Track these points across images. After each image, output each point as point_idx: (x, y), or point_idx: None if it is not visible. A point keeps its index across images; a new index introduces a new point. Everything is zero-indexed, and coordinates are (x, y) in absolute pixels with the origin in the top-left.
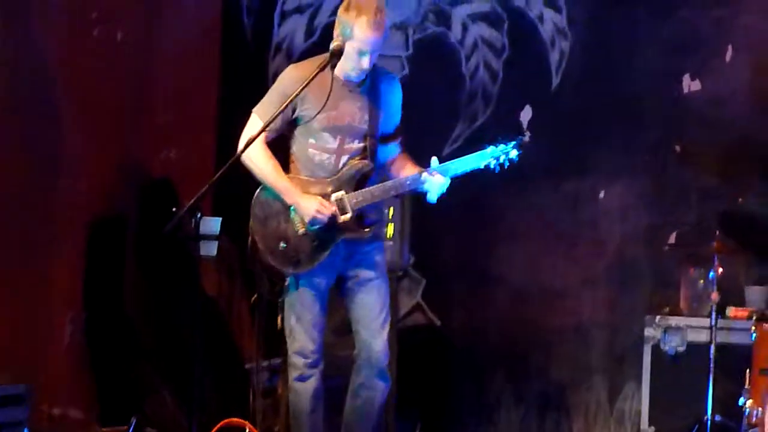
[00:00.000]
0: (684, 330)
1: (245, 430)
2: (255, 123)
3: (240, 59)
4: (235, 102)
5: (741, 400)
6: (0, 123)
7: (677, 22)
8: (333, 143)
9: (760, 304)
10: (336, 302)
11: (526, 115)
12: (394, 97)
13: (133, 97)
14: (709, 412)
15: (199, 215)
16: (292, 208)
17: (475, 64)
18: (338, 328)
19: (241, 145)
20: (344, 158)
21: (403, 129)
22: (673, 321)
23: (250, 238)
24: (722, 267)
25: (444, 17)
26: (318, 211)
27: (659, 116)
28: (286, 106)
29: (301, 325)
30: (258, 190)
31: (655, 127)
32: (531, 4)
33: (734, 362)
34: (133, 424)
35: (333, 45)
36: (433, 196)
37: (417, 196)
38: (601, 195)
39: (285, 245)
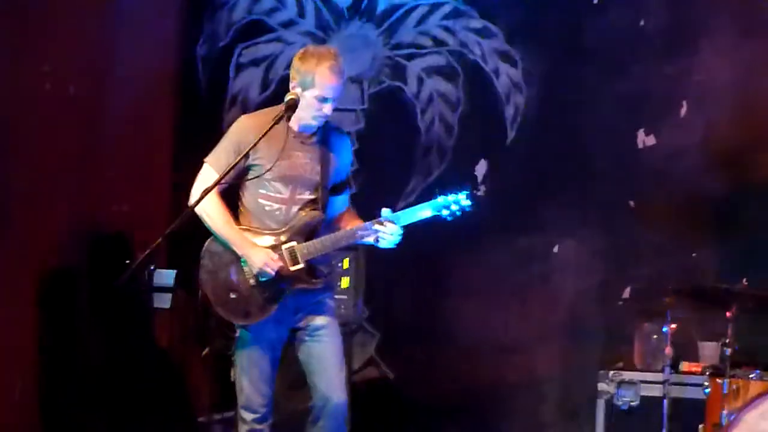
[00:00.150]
0: (637, 385)
1: None
2: (208, 173)
3: (195, 111)
4: (189, 154)
5: None
6: None
7: (632, 77)
8: (285, 193)
9: (714, 359)
10: (290, 355)
11: (481, 169)
12: (344, 152)
13: (86, 150)
14: None
15: (152, 267)
16: (243, 259)
17: (430, 118)
18: (291, 381)
19: (193, 195)
20: (295, 208)
21: (350, 185)
22: (627, 376)
23: (200, 290)
24: (676, 322)
25: (399, 71)
26: (266, 263)
27: (613, 171)
28: (241, 158)
29: (249, 379)
30: (208, 241)
31: (610, 182)
32: (487, 59)
33: (688, 417)
34: None
35: (288, 97)
36: (385, 244)
37: (371, 251)
38: (555, 250)
39: (235, 296)
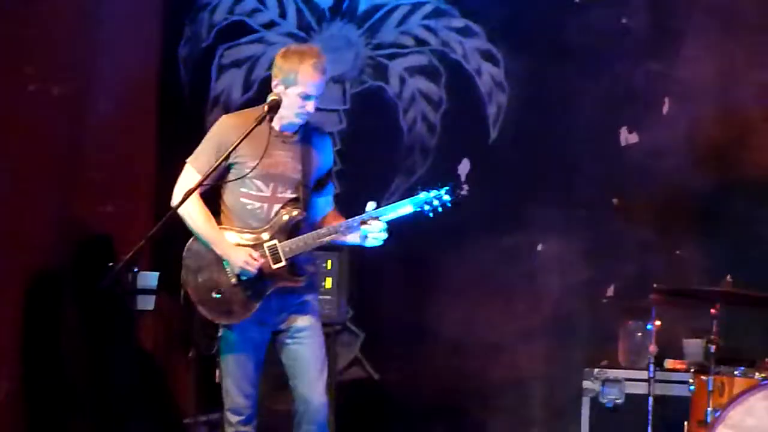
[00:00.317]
0: (622, 382)
1: None
2: (190, 174)
3: (177, 112)
4: (172, 156)
5: None
6: None
7: (614, 76)
8: (266, 191)
9: (698, 356)
10: (272, 355)
11: (464, 168)
12: (325, 152)
13: (69, 151)
14: None
15: (136, 270)
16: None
17: (412, 118)
18: (276, 382)
19: (175, 196)
20: (276, 207)
21: (334, 186)
22: (612, 373)
23: (182, 291)
24: (660, 319)
25: (381, 71)
26: (246, 262)
27: (597, 169)
28: (224, 160)
29: (233, 380)
30: (190, 241)
31: (593, 181)
32: (469, 58)
33: (672, 414)
34: None
35: (270, 98)
36: (372, 242)
37: (355, 250)
38: (539, 248)
39: (218, 295)
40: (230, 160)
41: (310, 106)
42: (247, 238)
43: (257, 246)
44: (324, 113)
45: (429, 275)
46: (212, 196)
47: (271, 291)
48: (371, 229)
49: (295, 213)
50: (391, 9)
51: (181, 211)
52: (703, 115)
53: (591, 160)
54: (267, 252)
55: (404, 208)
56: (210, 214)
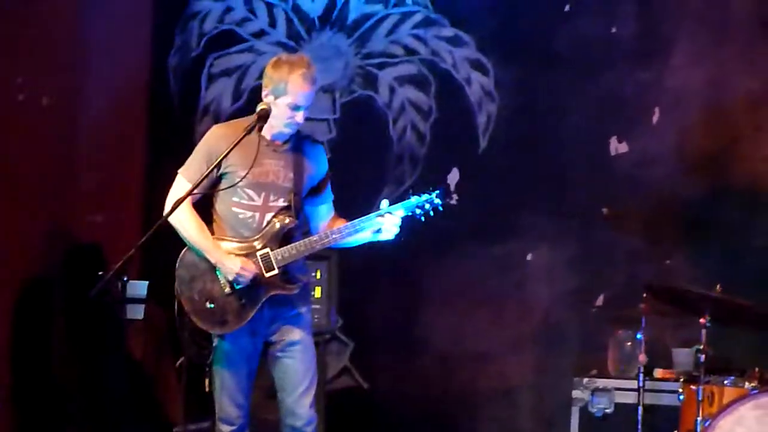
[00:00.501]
0: (612, 392)
1: None
2: (181, 184)
3: (167, 122)
4: (162, 165)
5: None
6: None
7: (603, 85)
8: (257, 200)
9: (688, 365)
10: (263, 365)
11: (453, 177)
12: (318, 160)
13: (59, 160)
14: None
15: (125, 278)
16: (217, 268)
17: (402, 127)
18: (268, 391)
19: (167, 207)
20: (268, 216)
21: (331, 193)
22: (601, 383)
23: (176, 301)
24: (650, 329)
25: (371, 80)
26: (242, 269)
27: (586, 178)
28: (213, 168)
29: (225, 390)
30: (183, 251)
31: (583, 190)
32: (458, 67)
33: (662, 424)
34: None
35: (259, 108)
36: (386, 235)
37: (344, 259)
38: (529, 257)
39: (212, 305)
40: (221, 170)
41: (300, 116)
42: (240, 247)
43: (250, 255)
44: (314, 122)
45: (419, 284)
46: (205, 205)
47: (264, 300)
48: (390, 222)
49: (287, 221)
50: (380, 18)
51: (173, 220)
52: (692, 124)
53: (581, 170)
54: (260, 261)
55: (397, 212)
56: (203, 223)
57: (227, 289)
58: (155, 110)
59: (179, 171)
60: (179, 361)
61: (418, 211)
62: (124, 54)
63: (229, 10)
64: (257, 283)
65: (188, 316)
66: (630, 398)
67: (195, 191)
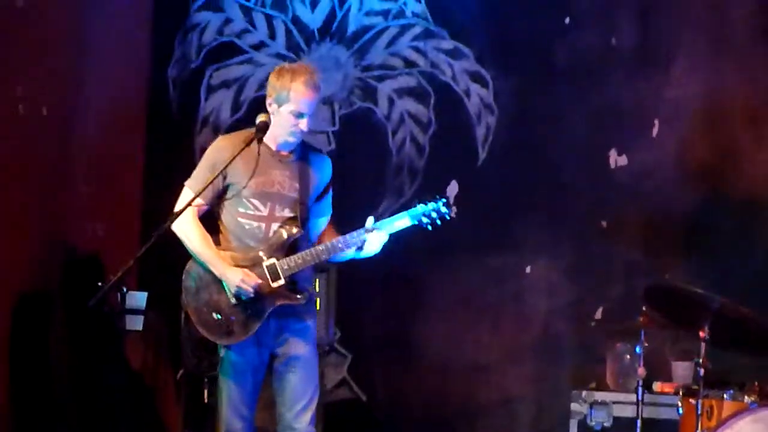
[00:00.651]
0: (610, 405)
1: None
2: (187, 195)
3: (166, 133)
4: (160, 175)
5: None
6: None
7: (603, 97)
8: (263, 210)
9: (686, 378)
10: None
11: (452, 189)
12: (324, 171)
13: (58, 171)
14: None
15: (124, 289)
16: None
17: (401, 139)
18: (265, 402)
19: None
20: (275, 226)
21: (331, 207)
22: (600, 396)
23: (183, 312)
24: (648, 342)
25: (370, 92)
26: (242, 281)
27: (585, 191)
28: (215, 178)
29: (229, 402)
30: (189, 262)
31: (582, 202)
32: (458, 79)
33: None
34: None
35: (259, 120)
36: (370, 251)
37: (343, 271)
38: (528, 270)
39: (219, 316)
40: (227, 181)
41: (303, 124)
42: (246, 257)
43: (256, 265)
44: (313, 134)
45: (417, 296)
46: (213, 221)
47: (271, 310)
48: (375, 240)
49: (293, 231)
50: (380, 30)
51: (177, 231)
52: (692, 136)
53: (580, 182)
54: (266, 271)
55: (402, 221)
56: (207, 235)
57: (233, 300)
58: (154, 121)
59: (185, 183)
60: (179, 373)
61: (424, 219)
62: (123, 65)
63: (228, 21)
64: (263, 293)
65: (195, 327)
66: (629, 411)
67: (201, 203)
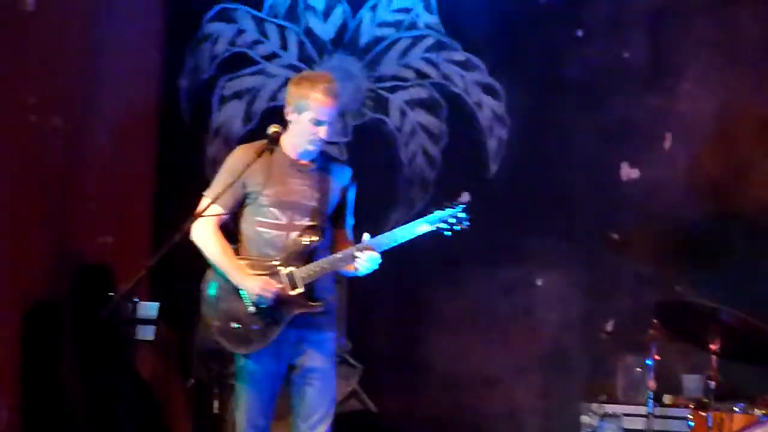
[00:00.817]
0: (620, 418)
1: None
2: (205, 204)
3: (177, 143)
4: (171, 186)
5: None
6: None
7: (615, 110)
8: (282, 219)
9: (697, 392)
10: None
11: (463, 201)
12: (344, 182)
13: (69, 181)
14: None
15: (136, 299)
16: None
17: (412, 151)
18: (281, 413)
19: (193, 228)
20: (293, 234)
21: (352, 218)
22: (610, 408)
23: (201, 321)
24: (659, 354)
25: (382, 103)
26: (262, 289)
27: (597, 204)
28: (234, 182)
29: (245, 411)
30: (208, 272)
31: (593, 215)
32: (470, 91)
33: None
34: None
35: (271, 130)
36: (362, 270)
37: (353, 283)
38: (539, 282)
39: (238, 325)
40: (246, 190)
41: (323, 132)
42: (264, 266)
43: (274, 274)
44: (325, 145)
45: (428, 308)
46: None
47: (289, 319)
48: (363, 258)
49: (312, 240)
50: (392, 42)
51: (196, 240)
52: (704, 150)
53: (591, 195)
54: (284, 279)
55: (420, 227)
56: (226, 243)
57: (252, 309)
58: (166, 132)
59: (204, 193)
60: (190, 383)
61: (443, 225)
62: (135, 75)
63: (240, 32)
64: (281, 302)
65: (208, 336)
66: (639, 424)
67: (221, 212)
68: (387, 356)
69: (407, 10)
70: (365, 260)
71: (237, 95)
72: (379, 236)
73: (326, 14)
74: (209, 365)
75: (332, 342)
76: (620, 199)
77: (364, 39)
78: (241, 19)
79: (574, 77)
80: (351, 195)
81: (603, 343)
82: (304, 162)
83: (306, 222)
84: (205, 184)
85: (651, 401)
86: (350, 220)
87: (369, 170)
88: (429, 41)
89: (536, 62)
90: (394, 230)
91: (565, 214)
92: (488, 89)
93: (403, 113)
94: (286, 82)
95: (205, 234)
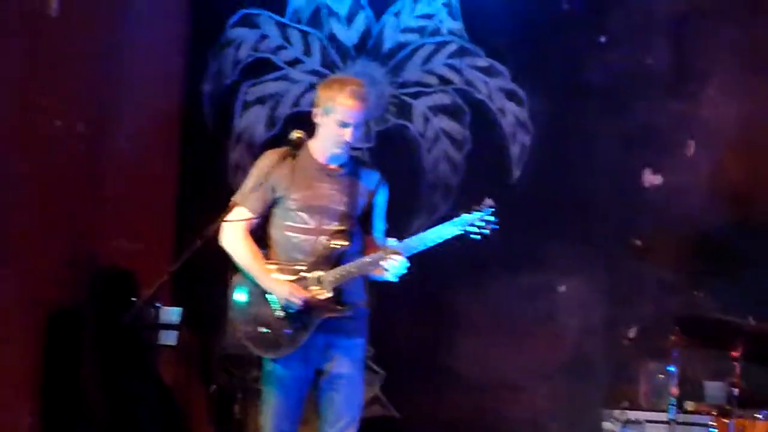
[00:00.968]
0: (643, 424)
1: None
2: (235, 209)
3: (200, 148)
4: (194, 191)
5: None
6: None
7: (638, 116)
8: (311, 224)
9: (720, 398)
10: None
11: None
12: (373, 187)
13: (92, 187)
14: None
15: (158, 305)
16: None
17: (435, 157)
18: (306, 418)
19: (223, 233)
20: (322, 239)
21: (383, 223)
22: (632, 415)
23: (227, 325)
24: (682, 361)
25: (405, 109)
26: (291, 294)
27: (619, 210)
28: (261, 184)
29: (271, 416)
30: (236, 276)
31: (615, 221)
32: (493, 97)
33: None
34: None
35: (293, 135)
36: (389, 275)
37: (376, 288)
38: (562, 288)
39: (266, 330)
40: (276, 194)
41: (348, 134)
42: (293, 270)
43: (302, 278)
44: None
45: (450, 314)
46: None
47: (318, 323)
48: (392, 263)
49: (342, 243)
50: (416, 48)
51: (226, 245)
52: (727, 157)
53: (614, 201)
54: (312, 283)
55: (448, 230)
56: (256, 248)
57: (280, 314)
58: (188, 137)
59: (233, 198)
60: (212, 389)
61: (471, 228)
62: (158, 80)
63: (264, 38)
64: (309, 306)
65: (234, 341)
66: (661, 431)
67: (251, 216)
68: (410, 362)
69: (430, 16)
70: (394, 264)
71: (260, 101)
72: (407, 239)
73: (349, 20)
74: (231, 370)
75: (361, 348)
76: (643, 205)
77: (387, 45)
78: (264, 25)
79: (596, 83)
80: (380, 199)
81: (625, 349)
82: (333, 166)
83: (334, 226)
84: (228, 188)
85: (673, 408)
86: (380, 225)
87: (392, 176)
88: (452, 47)
89: (559, 68)
90: (423, 233)
91: (588, 220)
92: (511, 95)
93: (426, 119)
94: (309, 88)
95: (234, 239)
